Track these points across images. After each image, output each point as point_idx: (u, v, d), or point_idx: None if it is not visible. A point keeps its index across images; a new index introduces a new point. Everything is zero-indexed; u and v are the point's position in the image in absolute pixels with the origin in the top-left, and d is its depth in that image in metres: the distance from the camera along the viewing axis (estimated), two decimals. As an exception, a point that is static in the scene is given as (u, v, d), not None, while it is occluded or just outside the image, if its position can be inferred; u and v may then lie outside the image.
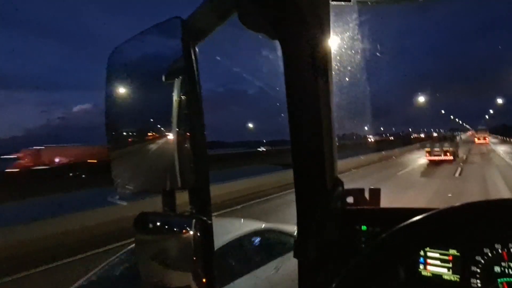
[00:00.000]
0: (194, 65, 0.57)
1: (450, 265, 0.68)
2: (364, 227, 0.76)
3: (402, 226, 0.47)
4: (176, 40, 0.56)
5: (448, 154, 19.14)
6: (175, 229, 0.58)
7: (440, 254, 0.69)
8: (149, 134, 0.65)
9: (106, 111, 0.67)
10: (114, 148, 0.69)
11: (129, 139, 0.68)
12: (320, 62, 0.69)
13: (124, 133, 0.69)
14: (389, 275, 0.67)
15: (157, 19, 0.61)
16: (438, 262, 0.69)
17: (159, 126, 0.63)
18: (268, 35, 0.67)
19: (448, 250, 0.68)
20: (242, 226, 3.57)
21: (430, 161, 19.35)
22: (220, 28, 0.61)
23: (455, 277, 0.67)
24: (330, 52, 0.72)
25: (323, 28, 0.68)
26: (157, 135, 0.63)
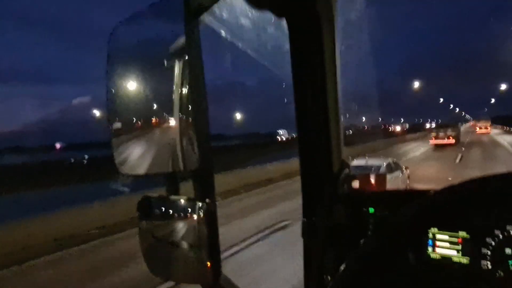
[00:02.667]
0: (197, 43, 0.55)
1: (460, 247, 0.67)
2: (371, 209, 0.75)
3: (411, 204, 0.46)
4: (177, 17, 0.54)
5: (450, 138, 22.00)
6: (179, 213, 0.57)
7: (449, 236, 0.68)
8: (152, 119, 0.63)
9: (108, 96, 0.65)
10: (117, 133, 0.68)
11: (132, 125, 0.67)
12: (327, 41, 0.67)
13: (127, 119, 0.67)
14: (398, 258, 0.66)
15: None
16: (447, 245, 0.68)
17: (161, 110, 0.61)
18: (274, 12, 0.65)
19: (457, 232, 0.67)
20: (386, 159, 7.33)
21: (435, 144, 21.52)
22: (222, 2, 0.59)
23: (464, 259, 0.66)
24: (336, 31, 0.70)
25: (330, 5, 0.66)
26: (160, 119, 0.61)
